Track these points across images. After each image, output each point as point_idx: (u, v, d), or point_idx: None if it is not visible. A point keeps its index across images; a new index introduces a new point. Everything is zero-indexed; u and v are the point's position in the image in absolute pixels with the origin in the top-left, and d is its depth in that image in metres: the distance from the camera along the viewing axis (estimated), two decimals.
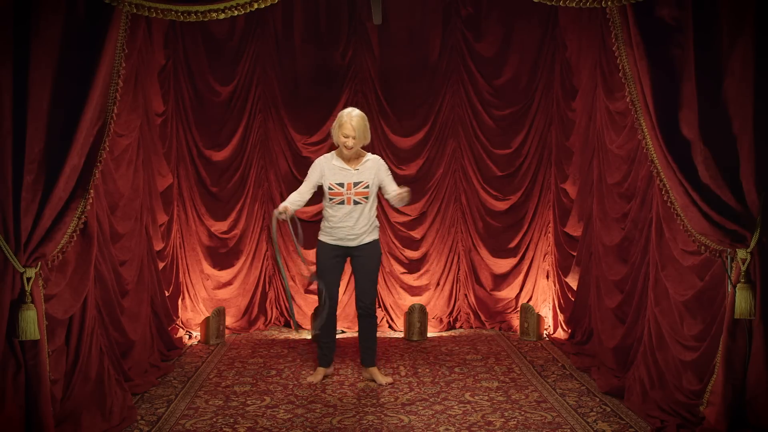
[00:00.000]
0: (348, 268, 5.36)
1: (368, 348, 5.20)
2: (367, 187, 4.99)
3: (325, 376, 5.23)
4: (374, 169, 5.04)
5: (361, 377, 5.21)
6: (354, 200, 4.97)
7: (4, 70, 3.56)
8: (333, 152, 5.11)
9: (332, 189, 4.98)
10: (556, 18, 6.63)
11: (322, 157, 5.17)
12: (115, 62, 3.92)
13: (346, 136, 4.92)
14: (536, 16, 6.71)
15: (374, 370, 5.17)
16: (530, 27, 6.79)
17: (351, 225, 5.00)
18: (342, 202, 4.98)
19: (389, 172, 5.13)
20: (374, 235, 5.12)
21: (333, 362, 5.34)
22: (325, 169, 5.04)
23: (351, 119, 4.91)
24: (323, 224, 5.13)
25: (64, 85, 3.72)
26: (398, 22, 6.86)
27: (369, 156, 5.10)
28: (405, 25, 6.89)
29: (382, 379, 5.13)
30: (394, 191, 5.03)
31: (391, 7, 6.66)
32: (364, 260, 5.09)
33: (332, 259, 5.10)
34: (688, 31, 3.84)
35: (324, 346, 5.24)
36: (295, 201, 5.07)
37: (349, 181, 4.97)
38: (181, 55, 6.62)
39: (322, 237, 5.13)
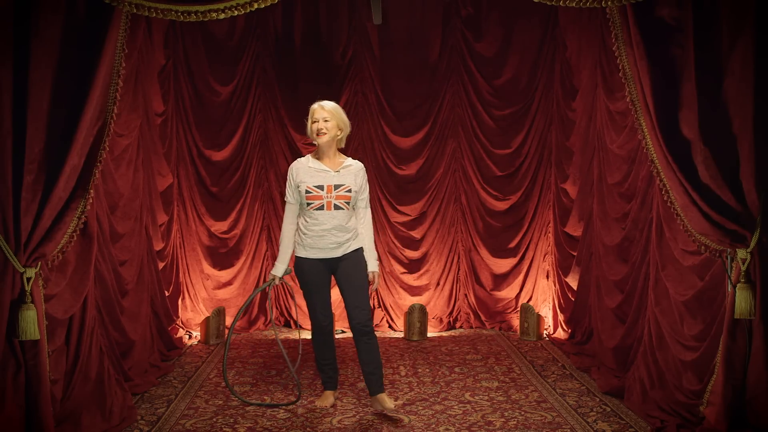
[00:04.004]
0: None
1: (372, 373, 4.43)
2: (350, 191, 4.41)
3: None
4: (355, 176, 4.48)
5: (369, 406, 4.56)
6: (335, 204, 4.38)
7: (4, 70, 3.56)
8: (308, 155, 4.57)
9: (310, 192, 4.38)
10: (556, 18, 6.63)
11: (295, 161, 4.59)
12: (115, 62, 3.92)
13: (316, 120, 4.41)
14: (536, 16, 6.71)
15: (383, 397, 4.42)
16: (530, 27, 6.79)
17: (334, 233, 4.40)
18: (321, 207, 4.37)
19: (368, 187, 4.60)
20: (359, 242, 4.53)
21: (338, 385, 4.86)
22: (301, 173, 4.46)
23: (321, 104, 4.46)
24: (299, 237, 4.49)
25: (64, 85, 3.72)
26: (398, 22, 6.86)
27: (351, 160, 4.55)
28: (405, 25, 6.89)
29: (391, 404, 4.41)
30: (363, 214, 4.55)
31: (391, 7, 6.66)
32: (351, 270, 4.46)
33: (316, 275, 4.47)
34: (688, 31, 3.84)
35: (328, 369, 4.67)
36: (289, 242, 4.52)
37: (329, 184, 4.39)
38: (181, 55, 6.62)
39: (301, 252, 4.48)
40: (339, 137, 4.49)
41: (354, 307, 4.43)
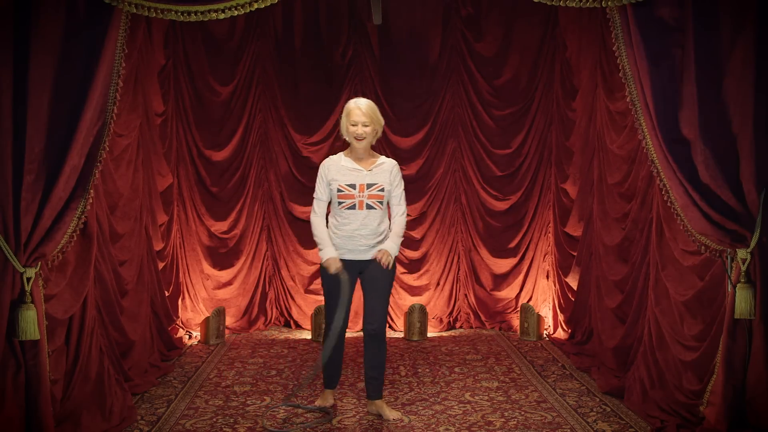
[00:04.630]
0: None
1: (374, 378, 4.43)
2: (382, 190, 4.32)
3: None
4: (389, 173, 4.39)
5: (366, 411, 4.51)
6: (367, 204, 4.29)
7: (4, 70, 3.56)
8: (341, 153, 4.47)
9: (342, 191, 4.29)
10: (556, 18, 6.63)
11: (328, 158, 4.49)
12: (115, 62, 3.92)
13: (355, 124, 4.28)
14: (536, 16, 6.71)
15: (381, 404, 4.44)
16: (530, 27, 6.79)
17: (364, 234, 4.31)
18: (353, 207, 4.29)
19: (403, 183, 4.48)
20: None
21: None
22: (333, 171, 4.37)
23: (359, 105, 4.32)
24: (329, 237, 4.40)
25: (64, 85, 3.72)
26: (398, 22, 6.86)
27: (384, 158, 4.47)
28: (405, 25, 6.89)
29: (390, 413, 4.39)
30: (397, 212, 4.43)
31: (391, 7, 6.66)
32: (377, 275, 4.35)
33: (341, 280, 4.35)
34: (688, 31, 3.84)
35: (332, 368, 4.59)
36: (326, 232, 4.39)
37: (362, 183, 4.31)
38: (181, 55, 6.62)
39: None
40: (375, 137, 4.42)
41: (372, 312, 4.37)
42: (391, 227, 4.45)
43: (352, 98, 6.79)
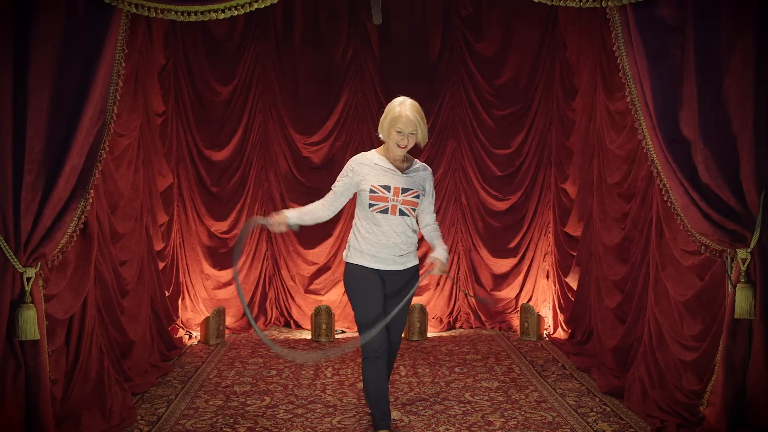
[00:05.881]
0: None
1: None
2: (417, 196, 3.91)
3: None
4: (424, 181, 4.01)
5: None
6: (400, 210, 3.85)
7: (4, 70, 3.56)
8: (373, 151, 4.03)
9: (375, 192, 3.84)
10: (556, 18, 6.63)
11: (359, 155, 4.02)
12: (115, 62, 3.92)
13: (401, 132, 3.81)
14: (536, 16, 6.72)
15: None
16: (530, 27, 6.80)
17: (398, 242, 3.90)
18: (386, 211, 3.85)
19: (434, 194, 4.12)
20: (416, 259, 4.07)
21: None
22: (364, 170, 3.91)
23: (406, 109, 3.82)
24: (356, 241, 3.96)
25: (64, 85, 3.72)
26: (398, 22, 6.87)
27: (418, 162, 4.06)
28: (405, 25, 6.90)
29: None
30: (430, 221, 4.08)
31: (391, 7, 6.66)
32: (403, 289, 3.97)
33: (371, 287, 3.93)
34: (688, 31, 3.84)
35: (382, 403, 3.99)
36: (310, 212, 3.99)
37: (397, 186, 3.88)
38: (181, 55, 6.62)
39: (356, 257, 3.96)
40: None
41: (393, 325, 4.02)
42: (431, 234, 4.08)
43: (352, 98, 6.91)
